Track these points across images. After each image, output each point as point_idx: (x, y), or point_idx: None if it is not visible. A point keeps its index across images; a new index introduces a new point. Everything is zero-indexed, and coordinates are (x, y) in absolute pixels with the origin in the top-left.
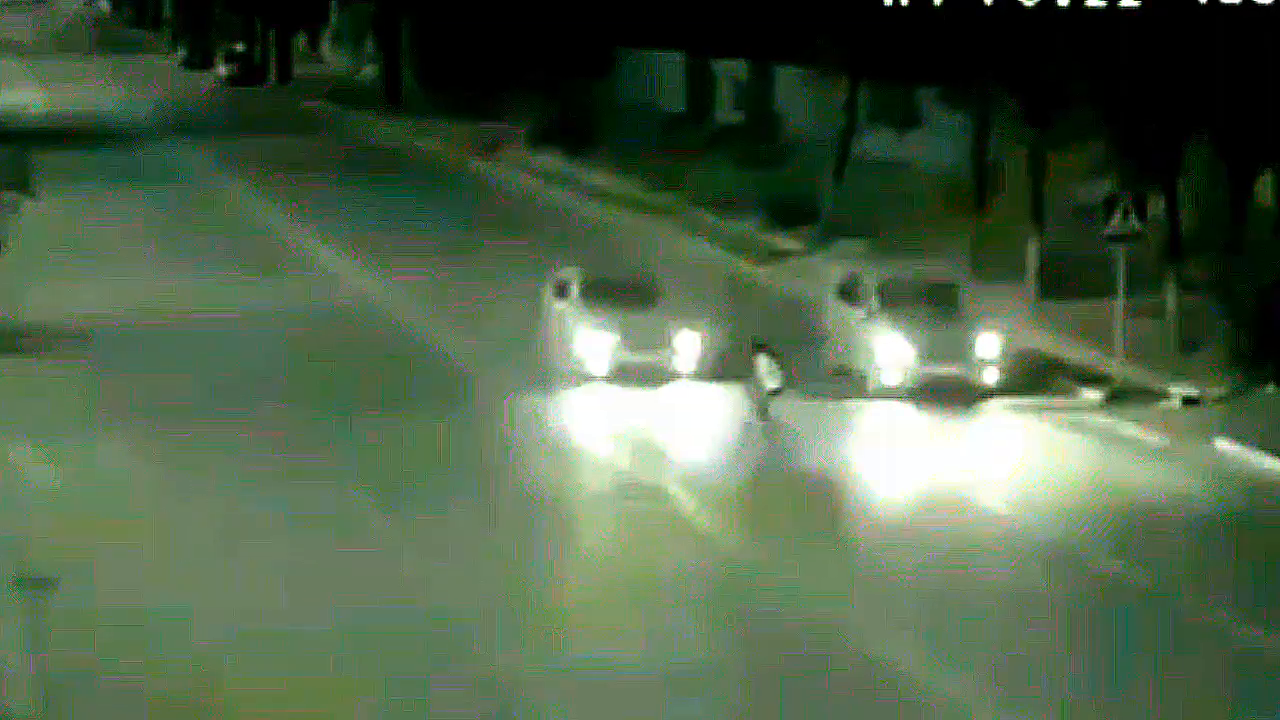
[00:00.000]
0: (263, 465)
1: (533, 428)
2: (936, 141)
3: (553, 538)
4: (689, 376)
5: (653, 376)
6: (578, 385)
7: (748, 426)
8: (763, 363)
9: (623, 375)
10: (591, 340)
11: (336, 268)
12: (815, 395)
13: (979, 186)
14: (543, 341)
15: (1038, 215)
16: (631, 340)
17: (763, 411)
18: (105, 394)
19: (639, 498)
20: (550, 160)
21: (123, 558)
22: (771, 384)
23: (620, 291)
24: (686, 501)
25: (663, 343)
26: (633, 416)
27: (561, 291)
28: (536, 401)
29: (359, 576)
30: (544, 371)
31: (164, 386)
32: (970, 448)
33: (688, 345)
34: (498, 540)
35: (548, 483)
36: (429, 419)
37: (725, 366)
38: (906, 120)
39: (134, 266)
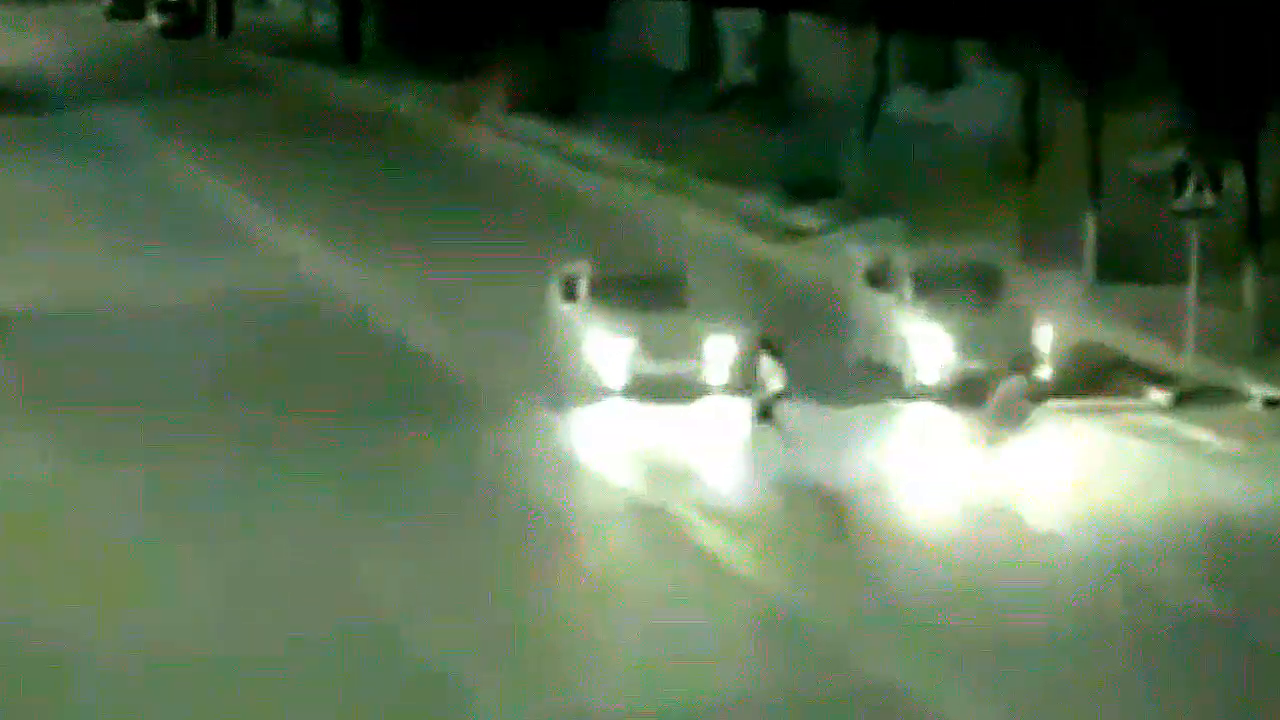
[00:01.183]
0: (200, 475)
1: (534, 451)
2: (979, 102)
3: (554, 580)
4: (721, 390)
5: (678, 390)
6: (589, 401)
7: (778, 443)
8: (765, 363)
9: (642, 389)
10: (605, 348)
11: (292, 249)
12: (842, 398)
13: (1029, 154)
14: (547, 348)
15: (1096, 188)
16: (652, 348)
17: (763, 414)
18: (20, 388)
19: (666, 541)
20: (534, 125)
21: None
22: (774, 385)
23: (638, 289)
24: (718, 539)
25: (689, 350)
26: (654, 438)
27: (569, 290)
28: (539, 420)
29: (318, 608)
30: (549, 384)
31: (88, 381)
32: (1019, 456)
33: (719, 353)
34: (486, 579)
35: (553, 523)
36: (408, 434)
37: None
38: (944, 78)
39: (53, 247)
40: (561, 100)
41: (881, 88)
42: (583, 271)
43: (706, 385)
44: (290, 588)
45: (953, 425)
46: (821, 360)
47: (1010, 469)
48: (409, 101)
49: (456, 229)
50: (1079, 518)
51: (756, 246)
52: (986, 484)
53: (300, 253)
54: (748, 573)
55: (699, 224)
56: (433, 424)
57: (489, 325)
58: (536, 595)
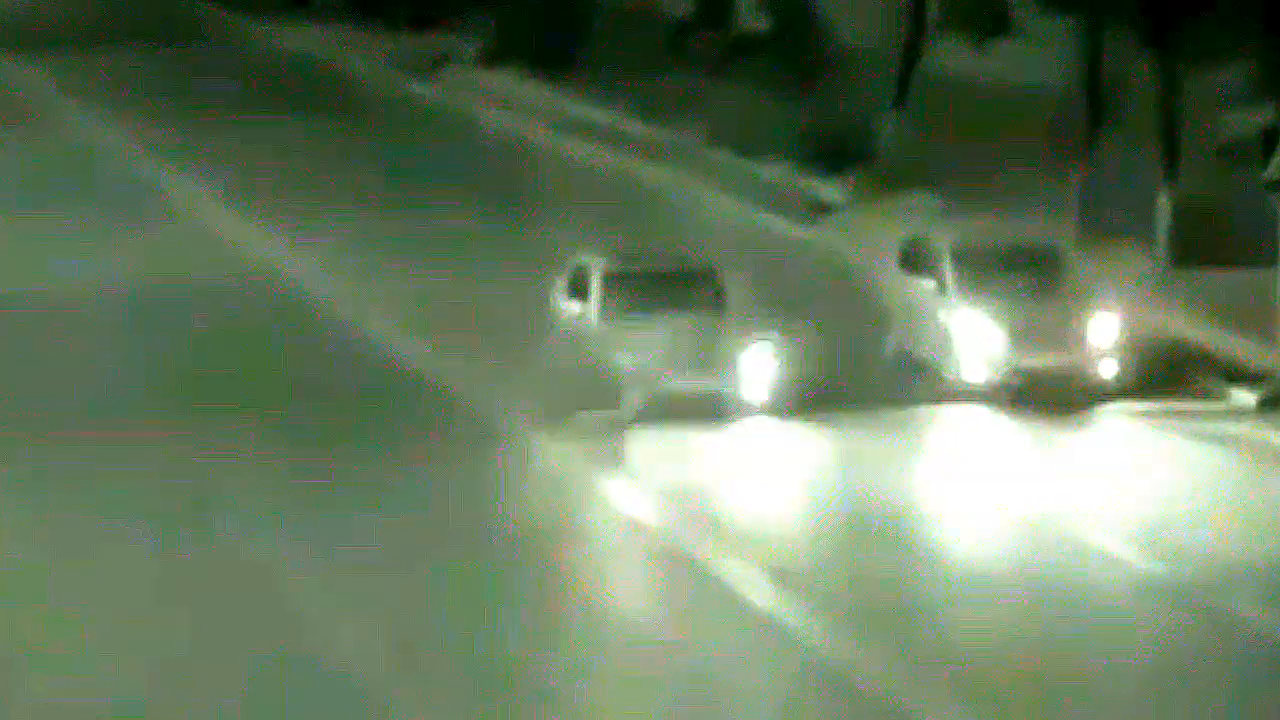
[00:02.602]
0: (128, 496)
1: (532, 482)
2: (1032, 54)
3: (557, 635)
4: (758, 409)
5: (706, 409)
6: (599, 424)
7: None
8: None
9: (663, 408)
10: (619, 359)
11: (234, 230)
12: (875, 400)
13: (1090, 116)
14: (550, 358)
15: (1170, 155)
16: (676, 359)
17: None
18: None
19: (695, 589)
20: (512, 82)
21: None
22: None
23: (660, 287)
24: (753, 580)
25: (721, 361)
26: (675, 467)
27: (578, 287)
28: (538, 442)
29: (268, 659)
30: (550, 401)
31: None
32: (1081, 466)
33: (757, 365)
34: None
35: (554, 568)
36: (382, 455)
37: (810, 391)
38: (992, 26)
39: None
40: (545, 52)
41: (918, 37)
42: (594, 265)
43: (739, 402)
44: (254, 658)
45: (1002, 430)
46: (850, 356)
47: (1070, 482)
48: (364, 54)
49: (420, 203)
50: (1150, 539)
51: (775, 224)
52: (1042, 501)
53: (240, 236)
54: (790, 620)
55: (709, 199)
56: (423, 447)
57: (475, 329)
58: (555, 652)
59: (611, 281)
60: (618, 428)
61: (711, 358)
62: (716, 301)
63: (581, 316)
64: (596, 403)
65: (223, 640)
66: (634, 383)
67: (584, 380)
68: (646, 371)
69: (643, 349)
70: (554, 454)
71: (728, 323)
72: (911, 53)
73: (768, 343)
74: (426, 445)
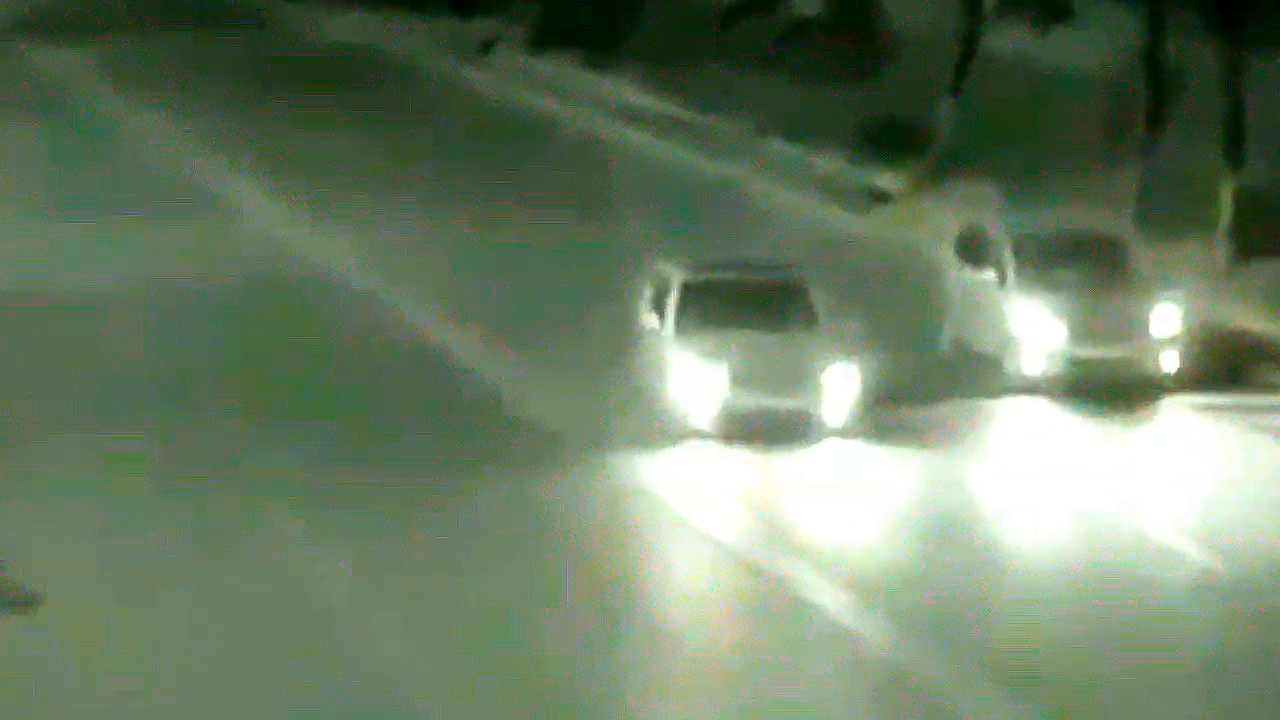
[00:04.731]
0: (166, 507)
1: (599, 507)
2: (1092, 40)
3: (653, 653)
4: (838, 432)
5: (784, 431)
6: (671, 442)
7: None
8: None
9: (738, 428)
10: (693, 375)
11: (282, 225)
12: (932, 393)
13: (1152, 103)
14: (630, 374)
15: (1234, 143)
16: (753, 376)
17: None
18: None
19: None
20: (562, 67)
21: None
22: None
23: (743, 299)
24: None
25: (802, 381)
26: (749, 485)
27: (660, 300)
28: (613, 463)
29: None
30: (627, 418)
31: (23, 380)
32: (1141, 461)
33: (839, 385)
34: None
35: (626, 597)
36: (443, 470)
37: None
38: (1051, 10)
39: None
40: (593, 37)
41: (975, 23)
42: (674, 274)
43: (818, 423)
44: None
45: (1062, 425)
46: (907, 349)
47: (1130, 477)
48: (412, 39)
49: (470, 194)
50: (1214, 537)
51: (830, 214)
52: (1103, 497)
53: (290, 231)
54: (865, 631)
55: (762, 189)
56: (492, 465)
57: (540, 338)
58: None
59: (690, 293)
60: (692, 447)
61: (792, 377)
62: (804, 316)
63: (658, 330)
64: (672, 420)
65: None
66: (708, 401)
67: (660, 396)
68: (721, 390)
69: (719, 365)
70: (626, 471)
71: (813, 339)
72: (968, 39)
73: (852, 362)
74: (500, 461)
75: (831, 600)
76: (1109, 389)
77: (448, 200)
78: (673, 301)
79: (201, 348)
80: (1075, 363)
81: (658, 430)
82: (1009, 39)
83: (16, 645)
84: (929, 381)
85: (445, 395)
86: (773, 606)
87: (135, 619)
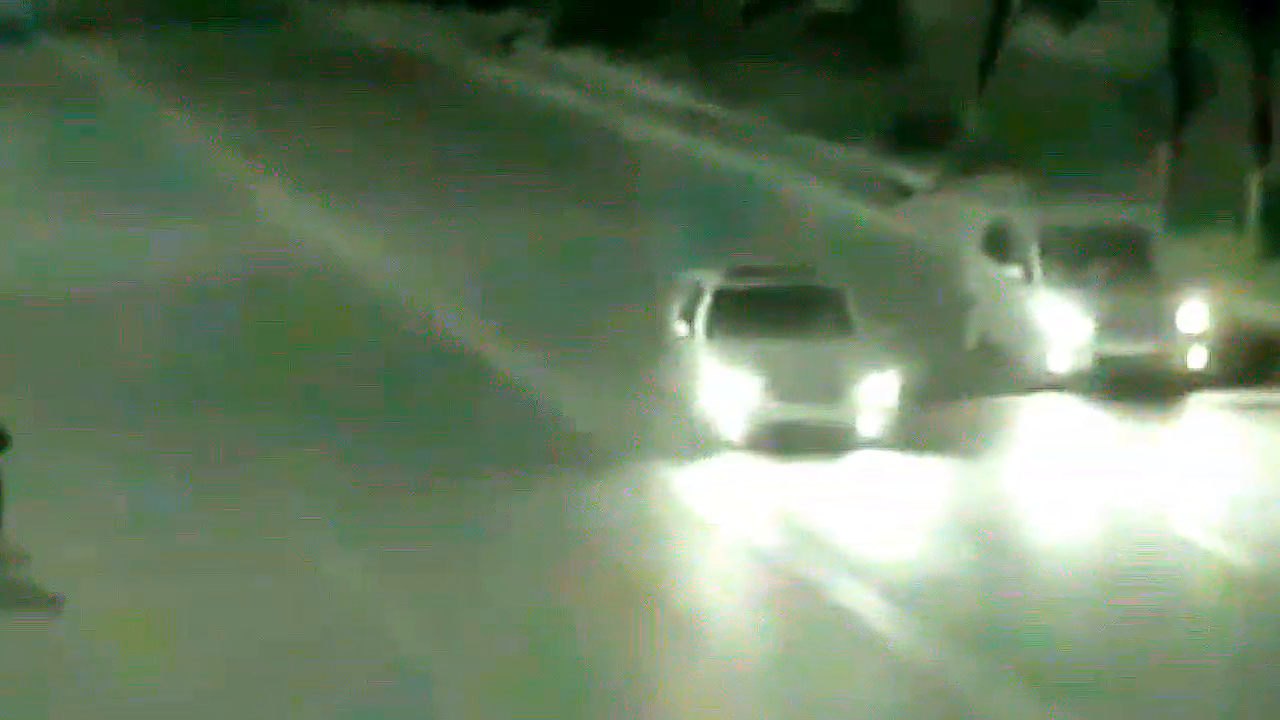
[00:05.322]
0: (189, 502)
1: (631, 516)
2: (1118, 35)
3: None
4: (872, 442)
5: (816, 442)
6: (704, 453)
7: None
8: None
9: (769, 439)
10: (725, 385)
11: (306, 221)
12: (957, 390)
13: (1178, 97)
14: (660, 382)
15: (1262, 138)
16: (787, 386)
17: None
18: None
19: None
20: (584, 62)
21: None
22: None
23: (777, 306)
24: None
25: (836, 391)
26: (780, 495)
27: (692, 307)
28: (647, 473)
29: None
30: (658, 426)
31: (40, 378)
32: (1169, 458)
33: (873, 395)
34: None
35: (659, 603)
36: (472, 474)
37: (928, 427)
38: (1077, 5)
39: (10, 211)
40: (616, 32)
41: (1002, 16)
42: (707, 281)
43: (852, 434)
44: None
45: (1090, 422)
46: (932, 344)
47: (1159, 476)
48: (433, 34)
49: (494, 190)
50: (1239, 530)
51: (854, 208)
52: (1132, 494)
53: (306, 225)
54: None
55: (786, 182)
56: (522, 469)
57: (569, 340)
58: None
59: (722, 300)
60: (724, 457)
61: (826, 387)
62: (839, 324)
63: (690, 337)
64: (704, 430)
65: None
66: (740, 412)
67: (691, 406)
68: (754, 400)
69: (751, 374)
70: (658, 480)
71: (848, 348)
72: (995, 33)
73: (887, 372)
74: (530, 466)
75: (868, 607)
76: (1136, 386)
77: (471, 197)
78: (704, 309)
79: (224, 347)
80: (1102, 359)
81: (690, 441)
82: (1033, 34)
83: (36, 646)
84: (955, 379)
85: (474, 397)
86: (809, 614)
87: (156, 620)
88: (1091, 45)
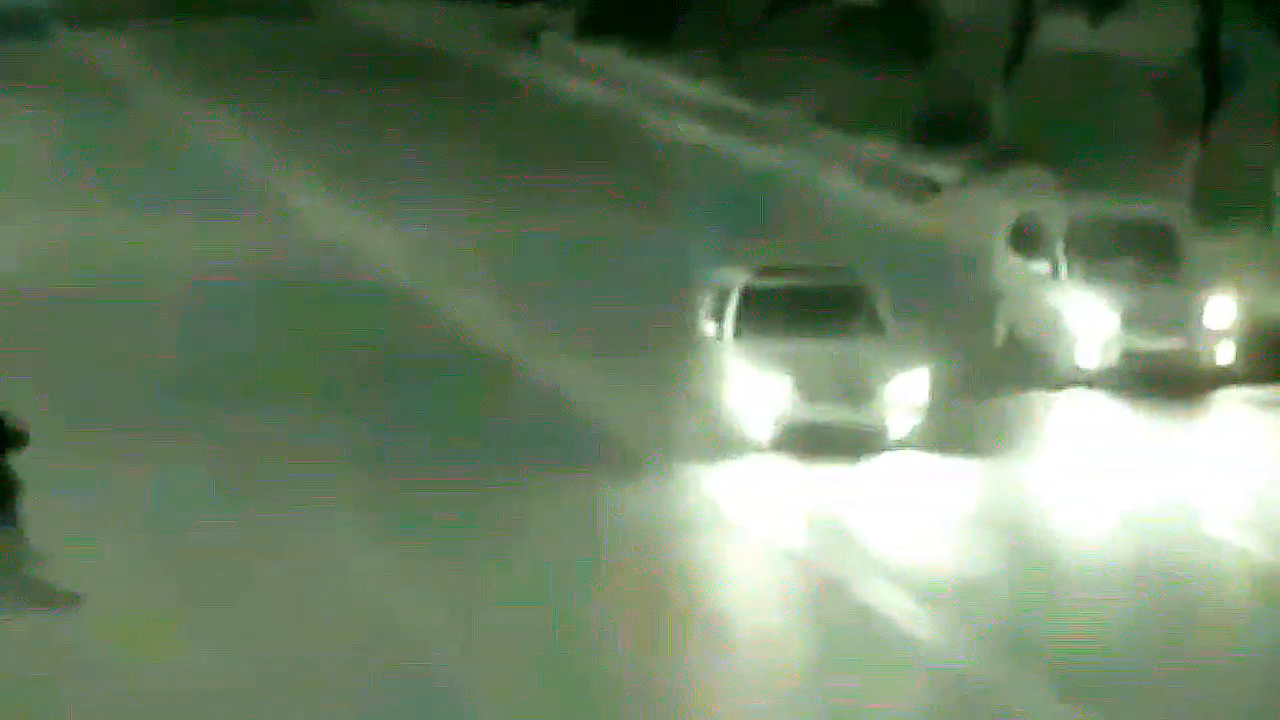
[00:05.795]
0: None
1: (661, 517)
2: (1146, 29)
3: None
4: (901, 444)
5: (844, 443)
6: (733, 454)
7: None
8: None
9: (797, 440)
10: (753, 386)
11: (322, 214)
12: (984, 387)
13: (1207, 91)
14: (688, 382)
15: None
16: (817, 388)
17: None
18: None
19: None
20: (609, 55)
21: None
22: None
23: (806, 305)
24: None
25: (867, 392)
26: (809, 498)
27: (720, 306)
28: (668, 475)
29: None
30: (685, 427)
31: (66, 376)
32: (1198, 454)
33: (904, 395)
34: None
35: (693, 604)
36: (499, 473)
37: (957, 425)
38: (1105, 0)
39: (28, 207)
40: (642, 25)
41: (1029, 10)
42: (735, 280)
43: (881, 435)
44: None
45: (1119, 418)
46: (958, 340)
47: (1184, 472)
48: (458, 28)
49: (518, 187)
50: (1270, 527)
51: (881, 204)
52: (1161, 491)
53: (330, 221)
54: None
55: (812, 176)
56: (551, 469)
57: (598, 339)
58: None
59: (750, 299)
60: (753, 459)
61: (857, 388)
62: (869, 323)
63: (718, 337)
64: (733, 432)
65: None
66: (769, 413)
67: (720, 407)
68: (783, 402)
69: (780, 375)
70: (688, 481)
71: (879, 348)
72: (1022, 27)
73: (918, 372)
74: (559, 465)
75: (900, 610)
76: (1163, 381)
77: (498, 193)
78: (733, 308)
79: (248, 345)
80: (1129, 355)
81: (718, 442)
82: (1061, 27)
83: (55, 645)
84: (983, 375)
85: (501, 396)
86: (840, 615)
87: (174, 620)
88: (1119, 39)
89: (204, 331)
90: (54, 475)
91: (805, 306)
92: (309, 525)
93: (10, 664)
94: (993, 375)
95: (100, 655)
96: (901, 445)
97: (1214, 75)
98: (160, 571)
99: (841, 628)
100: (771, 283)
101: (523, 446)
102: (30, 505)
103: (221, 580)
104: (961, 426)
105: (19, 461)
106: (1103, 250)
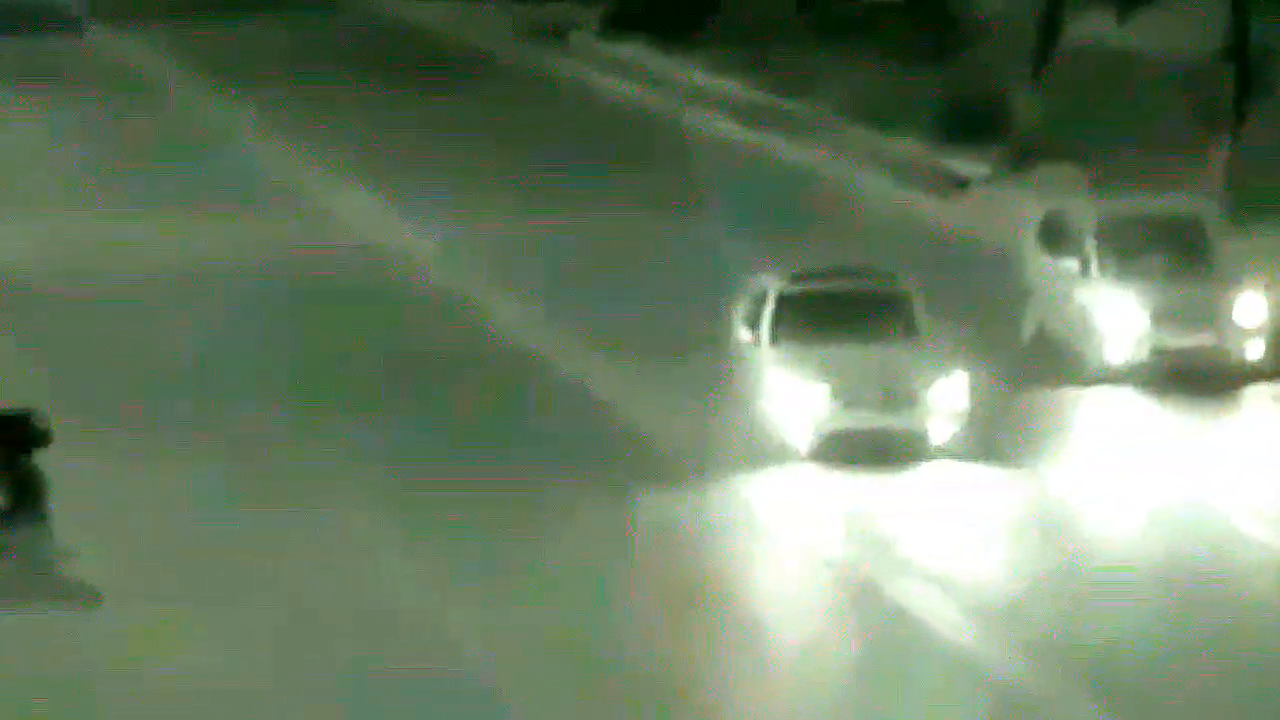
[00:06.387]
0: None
1: (698, 525)
2: (1176, 23)
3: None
4: (943, 453)
5: (883, 450)
6: (770, 462)
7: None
8: None
9: (837, 449)
10: (790, 394)
11: (351, 211)
12: (1013, 383)
13: (1237, 87)
14: (729, 392)
15: None
16: (854, 394)
17: None
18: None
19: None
20: (636, 51)
21: None
22: None
23: (843, 311)
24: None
25: (905, 398)
26: (843, 510)
27: (755, 312)
28: (702, 485)
29: None
30: (721, 435)
31: (90, 374)
32: (1231, 452)
33: (945, 400)
34: None
35: (732, 610)
36: (534, 477)
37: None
38: None
39: (53, 205)
40: (668, 21)
41: (1058, 4)
42: (770, 285)
43: (923, 443)
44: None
45: (1149, 416)
46: (988, 337)
47: (1220, 472)
48: (486, 23)
49: (548, 185)
50: None
51: (909, 199)
52: (1195, 495)
53: (359, 219)
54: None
55: (840, 173)
56: (587, 474)
57: (632, 341)
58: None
59: (786, 305)
60: (790, 467)
61: (895, 395)
62: (906, 328)
63: (753, 344)
64: (769, 439)
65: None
66: (806, 421)
67: (756, 413)
68: (820, 409)
69: (817, 381)
70: (725, 489)
71: (917, 353)
72: (1050, 21)
73: (960, 376)
74: (593, 473)
75: (941, 618)
76: (1193, 378)
77: (529, 190)
78: (768, 314)
79: (275, 343)
80: (1159, 352)
81: (755, 448)
82: (1090, 22)
83: (75, 643)
84: (1013, 374)
85: (534, 398)
86: (878, 622)
87: (197, 618)
88: (1148, 34)
89: (231, 330)
90: (80, 473)
91: (841, 311)
92: (334, 525)
93: (41, 659)
94: (1023, 373)
95: (128, 651)
96: (942, 452)
97: (1244, 71)
98: (184, 569)
99: (881, 635)
100: (807, 288)
101: (555, 450)
102: (56, 502)
103: (245, 579)
104: (996, 429)
105: (43, 459)
106: (1132, 247)
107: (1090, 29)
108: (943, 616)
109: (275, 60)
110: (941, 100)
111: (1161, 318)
